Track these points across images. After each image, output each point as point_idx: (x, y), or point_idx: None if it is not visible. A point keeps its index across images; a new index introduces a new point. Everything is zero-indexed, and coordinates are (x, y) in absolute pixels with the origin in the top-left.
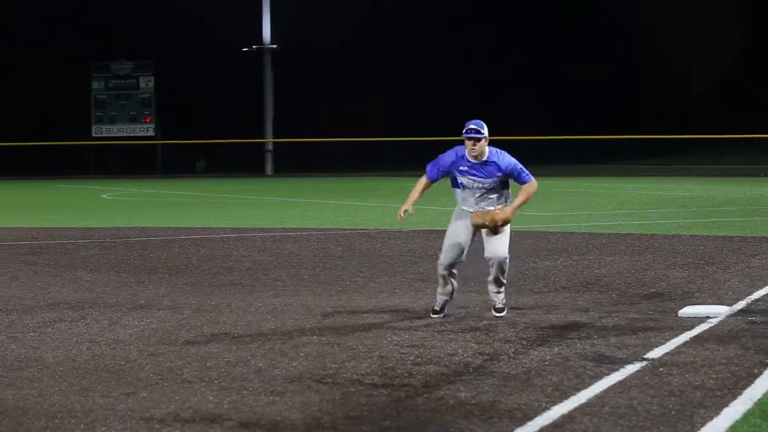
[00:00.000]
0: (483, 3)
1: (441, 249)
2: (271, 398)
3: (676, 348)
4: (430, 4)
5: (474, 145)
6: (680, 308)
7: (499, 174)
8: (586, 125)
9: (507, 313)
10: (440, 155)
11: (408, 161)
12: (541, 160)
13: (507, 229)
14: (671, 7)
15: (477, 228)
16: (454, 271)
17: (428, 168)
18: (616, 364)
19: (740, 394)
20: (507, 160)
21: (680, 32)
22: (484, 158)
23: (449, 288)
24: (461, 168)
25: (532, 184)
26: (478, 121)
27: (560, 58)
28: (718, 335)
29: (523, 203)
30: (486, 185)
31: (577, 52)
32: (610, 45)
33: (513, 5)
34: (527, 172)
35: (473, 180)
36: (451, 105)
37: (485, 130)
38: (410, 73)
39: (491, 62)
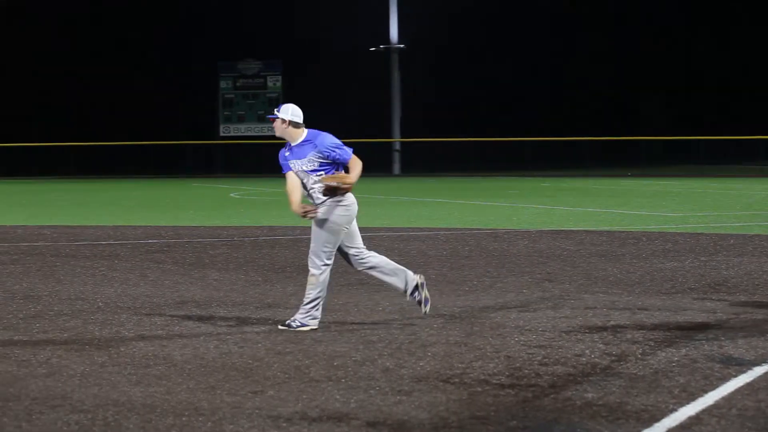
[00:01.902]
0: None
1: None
2: (398, 398)
3: None
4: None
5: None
6: None
7: (314, 151)
8: (722, 125)
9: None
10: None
11: (537, 161)
12: (675, 159)
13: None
14: None
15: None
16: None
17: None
18: (743, 365)
19: None
20: (324, 138)
21: None
22: (300, 140)
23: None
24: (286, 154)
25: (356, 159)
26: (286, 104)
27: (691, 57)
28: None
29: (358, 175)
30: (306, 167)
31: (712, 51)
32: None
33: None
34: (347, 149)
35: (294, 164)
36: (586, 104)
37: (285, 113)
38: (541, 73)
39: (619, 60)
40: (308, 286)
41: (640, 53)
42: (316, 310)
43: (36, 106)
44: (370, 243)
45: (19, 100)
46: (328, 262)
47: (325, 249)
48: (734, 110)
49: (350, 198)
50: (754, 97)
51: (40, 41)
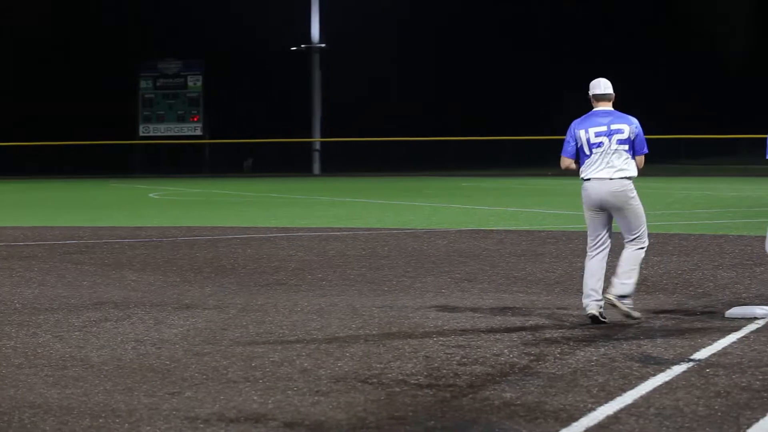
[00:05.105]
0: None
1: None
2: (316, 398)
3: (723, 349)
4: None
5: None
6: (727, 309)
7: None
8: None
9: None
10: None
11: (455, 160)
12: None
13: None
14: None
15: None
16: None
17: None
18: (662, 364)
19: None
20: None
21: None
22: None
23: None
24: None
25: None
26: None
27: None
28: (765, 336)
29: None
30: None
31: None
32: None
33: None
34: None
35: None
36: (503, 104)
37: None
38: (460, 72)
39: (544, 62)
40: None
41: (560, 52)
42: (585, 297)
43: None
44: (290, 243)
45: None
46: (590, 245)
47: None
48: (658, 109)
49: (583, 187)
50: (682, 98)
51: None
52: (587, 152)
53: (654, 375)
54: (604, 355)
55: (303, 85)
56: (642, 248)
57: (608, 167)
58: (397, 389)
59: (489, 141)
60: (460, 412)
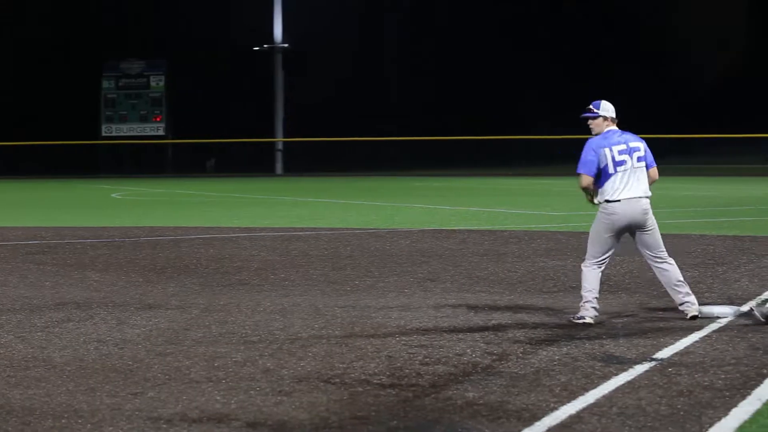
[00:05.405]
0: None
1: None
2: (279, 398)
3: (686, 348)
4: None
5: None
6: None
7: None
8: None
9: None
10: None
11: (417, 161)
12: (555, 160)
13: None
14: None
15: None
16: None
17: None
18: (624, 364)
19: (749, 394)
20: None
21: (689, 29)
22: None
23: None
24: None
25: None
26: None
27: (568, 55)
28: (728, 335)
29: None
30: None
31: (582, 48)
32: (615, 40)
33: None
34: (581, 163)
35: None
36: (465, 104)
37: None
38: (419, 72)
39: (502, 61)
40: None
41: (522, 53)
42: (589, 304)
43: None
44: (253, 243)
45: None
46: (596, 260)
47: (589, 249)
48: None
49: (610, 208)
50: (631, 102)
51: None
52: (611, 171)
53: (616, 374)
54: (566, 354)
55: (266, 86)
56: (671, 261)
57: (636, 186)
58: (360, 389)
59: (452, 141)
60: (423, 411)
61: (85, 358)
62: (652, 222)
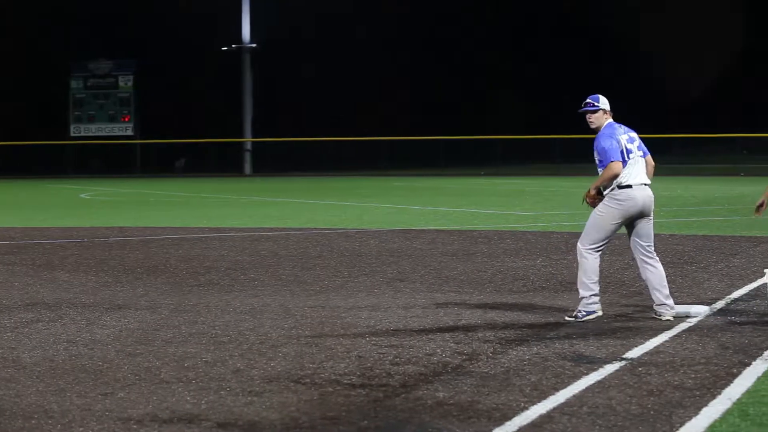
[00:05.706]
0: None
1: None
2: (249, 398)
3: (656, 348)
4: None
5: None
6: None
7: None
8: (571, 125)
9: (577, 320)
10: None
11: (387, 160)
12: (528, 158)
13: (593, 214)
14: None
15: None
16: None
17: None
18: (595, 363)
19: (719, 393)
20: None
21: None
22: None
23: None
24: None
25: (609, 166)
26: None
27: (546, 55)
28: (698, 335)
29: (598, 182)
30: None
31: (555, 49)
32: (585, 40)
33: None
34: (609, 152)
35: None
36: (436, 104)
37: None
38: (392, 71)
39: (474, 59)
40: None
41: (495, 52)
42: (595, 297)
43: None
44: (222, 243)
45: None
46: (597, 246)
47: (590, 235)
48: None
49: (626, 194)
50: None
51: None
52: (625, 158)
53: (587, 374)
54: (536, 354)
55: (234, 86)
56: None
57: (643, 174)
58: (330, 389)
59: (421, 141)
60: (393, 411)
61: (55, 358)
62: (653, 210)
